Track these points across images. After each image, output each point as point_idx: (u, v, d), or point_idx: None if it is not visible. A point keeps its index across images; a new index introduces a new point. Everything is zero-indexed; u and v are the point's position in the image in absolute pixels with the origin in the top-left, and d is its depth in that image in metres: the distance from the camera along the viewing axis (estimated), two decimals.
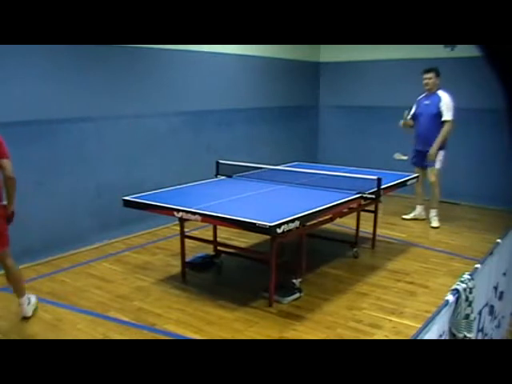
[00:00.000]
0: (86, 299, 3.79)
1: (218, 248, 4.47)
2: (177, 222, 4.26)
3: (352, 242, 4.76)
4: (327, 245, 4.98)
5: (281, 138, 7.34)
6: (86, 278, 4.23)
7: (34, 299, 3.54)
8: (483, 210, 6.43)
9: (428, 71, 5.52)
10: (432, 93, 5.55)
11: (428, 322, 1.71)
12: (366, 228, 5.04)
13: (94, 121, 4.84)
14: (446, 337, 1.94)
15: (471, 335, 2.12)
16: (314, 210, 3.55)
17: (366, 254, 4.81)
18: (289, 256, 4.40)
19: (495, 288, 2.72)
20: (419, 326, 3.14)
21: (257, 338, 3.19)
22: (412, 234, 5.45)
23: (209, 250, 4.57)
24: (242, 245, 4.92)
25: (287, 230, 3.23)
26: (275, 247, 3.55)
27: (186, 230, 4.23)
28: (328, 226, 4.46)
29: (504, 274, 2.89)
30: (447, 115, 5.42)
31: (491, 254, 2.50)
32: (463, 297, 2.05)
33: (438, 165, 5.57)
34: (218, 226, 4.36)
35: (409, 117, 5.71)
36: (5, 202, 3.21)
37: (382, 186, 4.23)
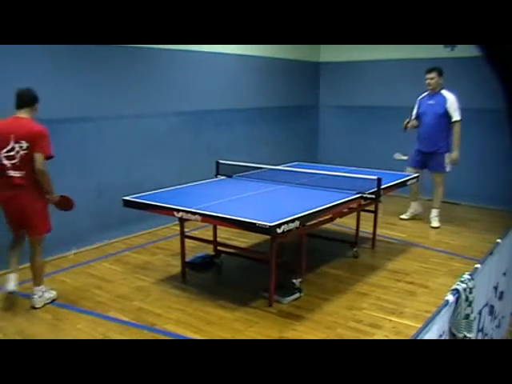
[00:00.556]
0: (86, 299, 3.79)
1: (218, 248, 4.47)
2: (177, 222, 4.26)
3: (352, 241, 4.76)
4: (327, 245, 4.98)
5: (281, 138, 7.34)
6: (86, 277, 4.23)
7: (48, 295, 3.67)
8: (483, 209, 6.43)
9: (430, 71, 5.50)
10: (435, 92, 5.52)
11: (428, 322, 1.71)
12: (366, 228, 5.04)
13: (94, 121, 4.83)
14: (445, 337, 1.94)
15: (471, 335, 2.12)
16: (313, 210, 3.55)
17: (365, 253, 4.81)
18: (289, 256, 4.40)
19: (495, 288, 2.72)
20: (419, 326, 3.14)
21: (257, 337, 3.19)
22: (412, 234, 5.45)
23: (209, 249, 4.57)
24: (242, 245, 4.92)
25: (287, 230, 3.23)
26: (275, 247, 3.55)
27: (186, 229, 4.23)
28: (328, 225, 4.46)
29: (504, 273, 2.89)
30: (456, 115, 5.39)
31: (491, 253, 2.50)
32: (463, 297, 2.05)
33: (448, 168, 5.56)
34: (218, 226, 4.36)
35: (412, 117, 5.69)
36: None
37: (382, 186, 4.23)
